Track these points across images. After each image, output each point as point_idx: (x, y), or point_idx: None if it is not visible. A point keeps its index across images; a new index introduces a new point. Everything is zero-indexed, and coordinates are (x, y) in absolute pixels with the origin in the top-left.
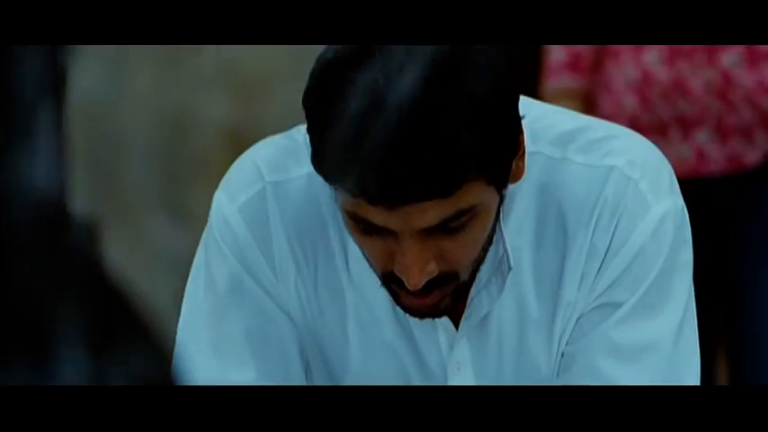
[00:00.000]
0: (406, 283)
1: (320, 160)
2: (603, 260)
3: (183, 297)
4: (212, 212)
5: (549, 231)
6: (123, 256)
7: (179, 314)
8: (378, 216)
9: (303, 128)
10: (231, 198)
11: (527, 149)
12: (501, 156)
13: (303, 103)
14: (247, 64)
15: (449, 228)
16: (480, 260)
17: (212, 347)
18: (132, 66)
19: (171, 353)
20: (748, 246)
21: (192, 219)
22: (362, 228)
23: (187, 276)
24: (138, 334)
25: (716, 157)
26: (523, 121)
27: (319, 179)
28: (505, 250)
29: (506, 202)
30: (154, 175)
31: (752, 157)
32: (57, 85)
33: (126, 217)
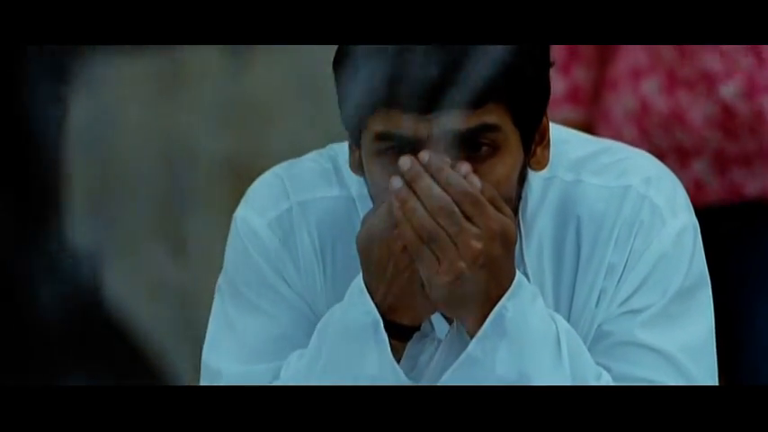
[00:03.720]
0: None
1: (352, 89)
2: (621, 275)
3: (181, 326)
4: (237, 227)
5: (568, 249)
6: (122, 287)
7: (179, 342)
8: (408, 126)
9: (334, 146)
10: (259, 214)
11: (543, 175)
12: (528, 94)
13: (334, 64)
14: (247, 95)
15: (473, 145)
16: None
17: (241, 349)
18: (132, 97)
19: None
20: (746, 276)
21: (191, 250)
22: (390, 151)
23: (186, 306)
24: (136, 360)
25: (714, 186)
26: None
27: (350, 202)
28: (525, 275)
29: (527, 223)
30: (153, 206)
31: (752, 187)
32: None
33: (125, 248)
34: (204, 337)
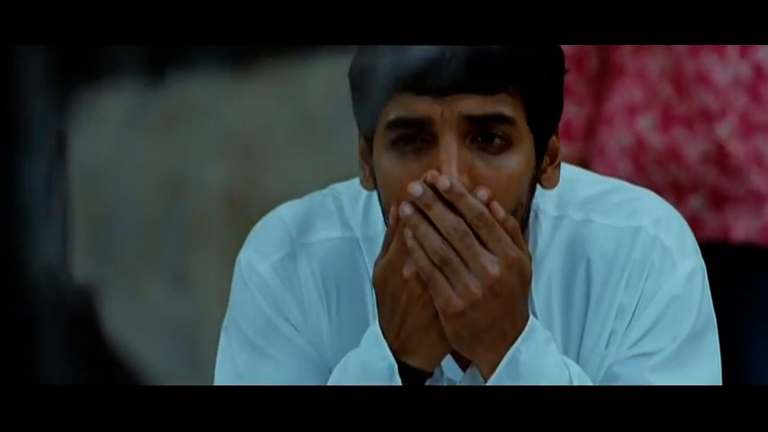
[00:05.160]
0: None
1: (367, 80)
2: (632, 317)
3: (181, 360)
4: (242, 270)
5: (577, 289)
6: (122, 321)
7: (177, 377)
8: (422, 109)
9: (337, 186)
10: (263, 256)
11: (552, 214)
12: (542, 92)
13: (349, 71)
14: (247, 129)
15: (487, 136)
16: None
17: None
18: (131, 131)
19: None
20: (741, 313)
21: (190, 283)
22: (402, 141)
23: (186, 340)
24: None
25: (709, 223)
26: None
27: (354, 243)
28: (533, 313)
29: (536, 262)
30: (153, 240)
31: (740, 231)
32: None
33: (125, 281)
34: (205, 371)
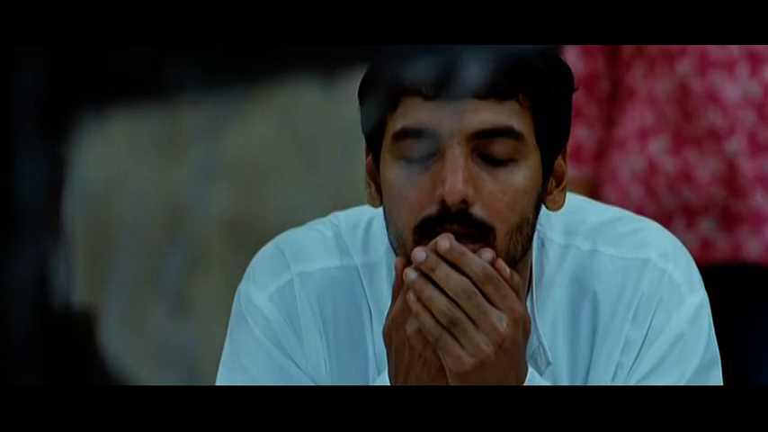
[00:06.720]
0: (445, 194)
1: (378, 84)
2: (640, 351)
3: (181, 386)
4: (240, 303)
5: (584, 321)
6: (121, 346)
7: None
8: (429, 116)
9: (337, 215)
10: (260, 287)
11: (560, 242)
12: (551, 107)
13: (359, 87)
14: (248, 155)
15: (494, 151)
16: (519, 242)
17: None
18: (132, 156)
19: None
20: (753, 336)
21: (191, 310)
22: (408, 154)
23: (185, 366)
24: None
25: (721, 245)
26: (558, 213)
27: (352, 272)
28: (540, 344)
29: (542, 291)
30: (153, 266)
31: (753, 249)
32: (58, 176)
33: (125, 307)
34: None
